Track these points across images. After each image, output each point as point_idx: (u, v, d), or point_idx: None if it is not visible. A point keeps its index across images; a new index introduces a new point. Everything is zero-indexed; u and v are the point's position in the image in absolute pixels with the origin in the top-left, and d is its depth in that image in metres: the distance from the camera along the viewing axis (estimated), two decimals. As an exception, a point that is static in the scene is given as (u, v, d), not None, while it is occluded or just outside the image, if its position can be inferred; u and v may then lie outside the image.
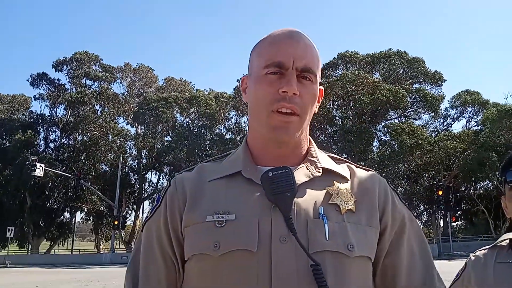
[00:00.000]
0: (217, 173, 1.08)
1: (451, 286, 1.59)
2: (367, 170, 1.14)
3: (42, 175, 30.67)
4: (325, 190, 1.03)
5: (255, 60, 1.09)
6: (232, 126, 42.34)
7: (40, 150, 43.45)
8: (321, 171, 1.07)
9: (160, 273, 1.04)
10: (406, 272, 1.04)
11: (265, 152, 1.09)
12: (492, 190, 38.21)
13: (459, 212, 41.83)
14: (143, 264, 1.06)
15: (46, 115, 45.83)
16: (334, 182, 1.05)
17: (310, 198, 1.00)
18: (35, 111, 47.07)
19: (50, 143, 45.08)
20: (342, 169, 1.11)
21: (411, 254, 1.05)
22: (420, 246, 1.08)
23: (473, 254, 1.59)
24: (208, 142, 40.87)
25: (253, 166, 1.07)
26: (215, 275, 0.95)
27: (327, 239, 0.94)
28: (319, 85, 1.11)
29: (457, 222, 45.59)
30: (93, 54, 46.70)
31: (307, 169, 1.06)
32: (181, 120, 43.00)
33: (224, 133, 42.46)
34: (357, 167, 1.14)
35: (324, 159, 1.11)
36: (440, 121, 41.60)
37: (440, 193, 31.26)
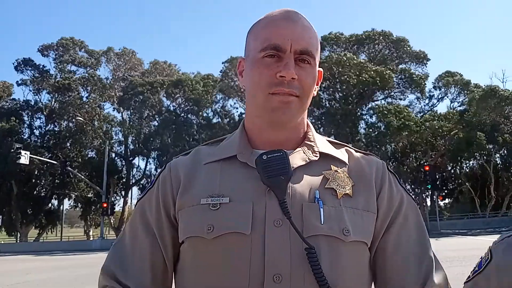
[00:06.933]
0: (213, 156, 1.07)
1: (470, 279, 1.15)
2: (367, 154, 1.12)
3: (27, 163, 30.28)
4: (322, 175, 1.01)
5: (252, 42, 1.05)
6: (219, 109, 42.18)
7: (25, 137, 42.84)
8: (318, 155, 1.05)
9: (144, 252, 1.03)
10: (400, 257, 1.00)
11: (262, 136, 1.07)
12: (478, 169, 38.78)
13: (445, 191, 42.40)
14: (128, 241, 1.06)
15: (31, 101, 45.11)
16: (332, 166, 1.04)
17: (306, 182, 0.99)
18: (18, 98, 46.16)
19: (35, 130, 44.28)
20: (341, 153, 1.09)
21: (407, 239, 1.02)
22: (417, 231, 1.04)
23: (500, 241, 1.12)
24: (195, 126, 40.74)
25: (249, 150, 1.05)
26: (208, 257, 0.94)
27: (322, 223, 0.93)
28: (318, 67, 1.08)
29: (443, 201, 46.25)
30: (79, 40, 45.88)
31: (304, 153, 1.04)
32: (167, 104, 42.69)
33: (211, 117, 42.33)
34: (356, 151, 1.12)
35: (322, 144, 1.09)
36: (425, 102, 41.81)
37: (427, 168, 31.52)
